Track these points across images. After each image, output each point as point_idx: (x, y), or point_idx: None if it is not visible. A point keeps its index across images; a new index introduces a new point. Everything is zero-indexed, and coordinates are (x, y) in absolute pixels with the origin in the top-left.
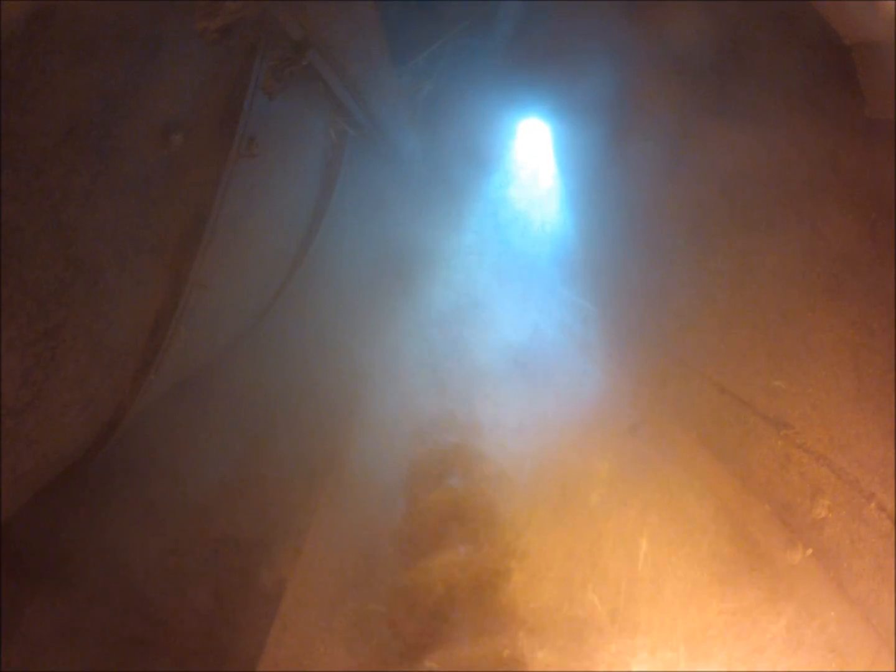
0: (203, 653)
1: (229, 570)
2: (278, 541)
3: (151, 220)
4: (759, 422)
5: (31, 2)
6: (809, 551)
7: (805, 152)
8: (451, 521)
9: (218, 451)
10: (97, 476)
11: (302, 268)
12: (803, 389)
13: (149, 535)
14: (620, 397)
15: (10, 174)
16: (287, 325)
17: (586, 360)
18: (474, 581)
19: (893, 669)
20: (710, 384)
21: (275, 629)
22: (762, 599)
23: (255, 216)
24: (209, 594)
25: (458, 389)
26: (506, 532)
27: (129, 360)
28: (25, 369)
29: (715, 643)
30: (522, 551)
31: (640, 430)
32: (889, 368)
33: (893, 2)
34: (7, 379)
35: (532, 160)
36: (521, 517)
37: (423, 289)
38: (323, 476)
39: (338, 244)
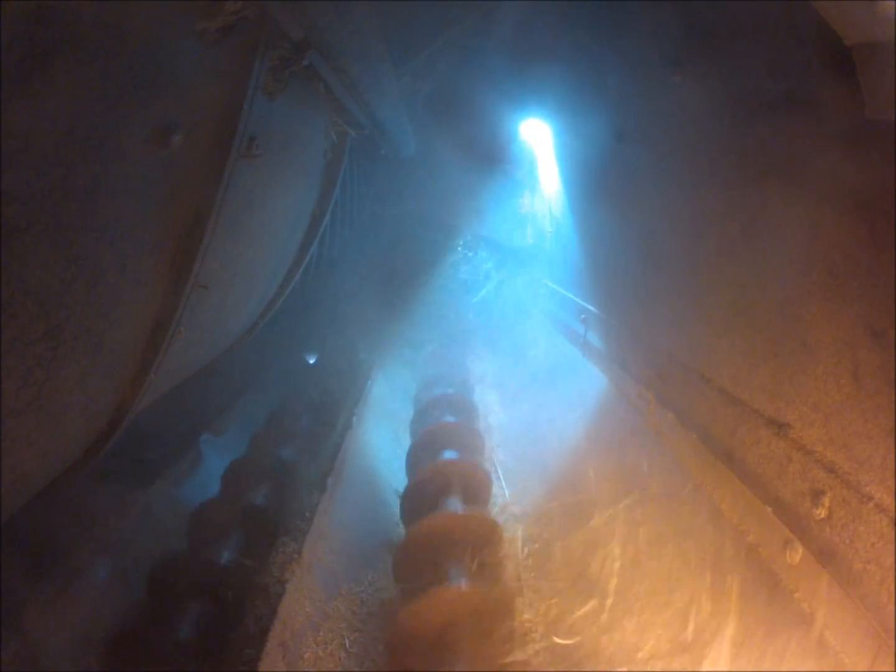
0: (203, 653)
1: (230, 569)
2: (279, 541)
3: (151, 220)
4: (759, 422)
5: (31, 2)
6: (809, 551)
7: (804, 153)
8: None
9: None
10: (98, 475)
11: (303, 268)
12: (803, 389)
13: (149, 535)
14: (620, 398)
15: (10, 174)
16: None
17: (586, 362)
18: (472, 535)
19: (893, 670)
20: (710, 384)
21: (275, 629)
22: (762, 600)
23: (256, 216)
24: (210, 593)
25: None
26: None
27: (129, 360)
28: (26, 369)
29: (713, 643)
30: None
31: (639, 430)
32: (889, 368)
33: (893, 2)
34: (7, 379)
35: (532, 160)
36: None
37: (421, 290)
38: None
39: (338, 244)
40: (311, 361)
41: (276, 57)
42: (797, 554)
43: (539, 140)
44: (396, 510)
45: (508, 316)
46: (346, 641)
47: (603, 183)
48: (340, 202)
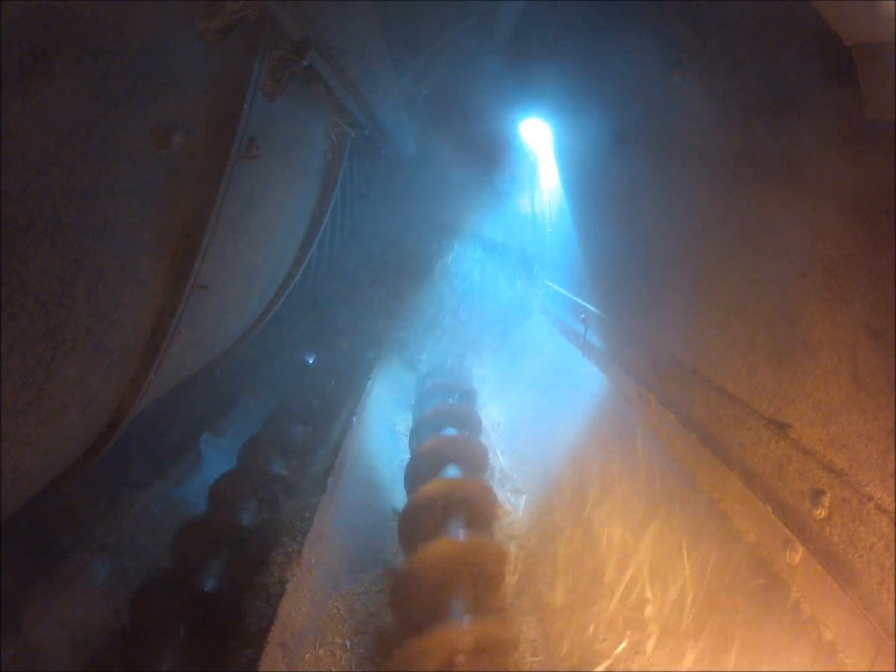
0: (203, 653)
1: (230, 569)
2: (278, 541)
3: (151, 220)
4: (759, 422)
5: (31, 2)
6: (809, 551)
7: (804, 153)
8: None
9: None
10: (98, 475)
11: (303, 268)
12: (803, 389)
13: (149, 535)
14: (620, 398)
15: (10, 174)
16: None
17: (586, 361)
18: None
19: (893, 670)
20: (710, 384)
21: (275, 629)
22: (762, 601)
23: (256, 216)
24: (209, 593)
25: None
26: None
27: (129, 360)
28: (26, 369)
29: (713, 644)
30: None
31: (639, 430)
32: (889, 368)
33: (893, 2)
34: (7, 379)
35: (532, 160)
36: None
37: (420, 290)
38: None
39: (339, 243)
40: (311, 361)
41: (276, 57)
42: (797, 554)
43: (539, 140)
44: (397, 509)
45: (508, 316)
46: (347, 642)
47: (602, 183)
48: (340, 202)
